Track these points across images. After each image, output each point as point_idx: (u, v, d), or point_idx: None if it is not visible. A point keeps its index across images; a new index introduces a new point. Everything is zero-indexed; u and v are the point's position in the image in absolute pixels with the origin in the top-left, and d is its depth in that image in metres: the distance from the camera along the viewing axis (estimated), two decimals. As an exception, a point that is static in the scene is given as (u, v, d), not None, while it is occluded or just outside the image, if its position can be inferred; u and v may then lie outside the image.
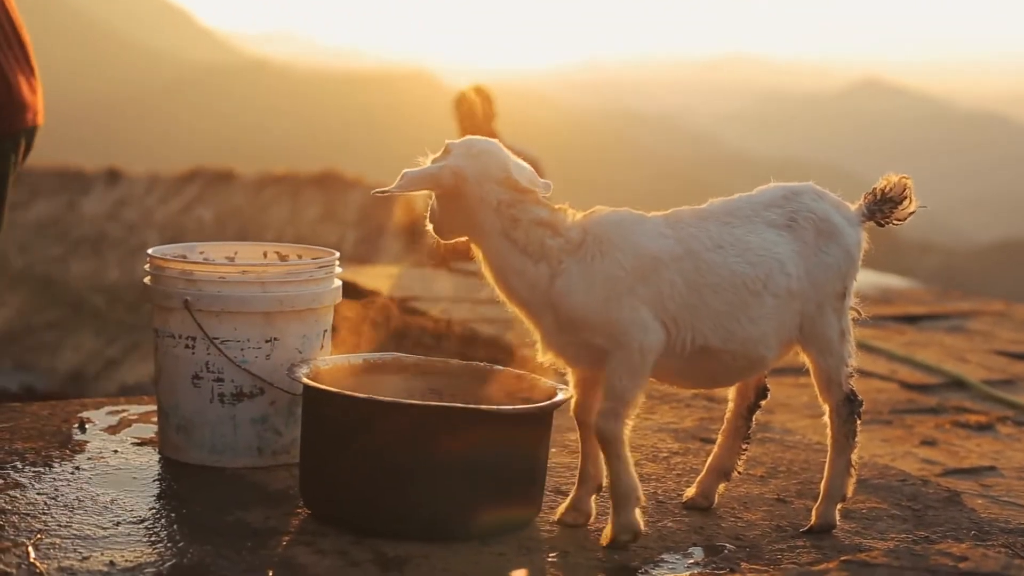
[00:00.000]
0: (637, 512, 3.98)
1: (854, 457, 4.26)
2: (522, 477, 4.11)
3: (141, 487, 4.42)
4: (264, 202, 26.58)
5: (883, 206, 4.25)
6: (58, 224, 26.37)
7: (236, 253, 5.12)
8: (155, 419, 4.98)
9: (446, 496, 3.95)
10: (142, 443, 4.94)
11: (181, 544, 3.85)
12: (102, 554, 3.73)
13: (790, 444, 5.35)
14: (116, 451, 4.81)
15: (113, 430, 5.09)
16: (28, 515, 4.03)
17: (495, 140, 4.10)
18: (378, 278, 9.49)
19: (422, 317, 7.99)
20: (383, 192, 3.97)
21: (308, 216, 26.04)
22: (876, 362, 7.57)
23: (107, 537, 3.88)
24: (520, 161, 4.06)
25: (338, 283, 4.88)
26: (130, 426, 5.17)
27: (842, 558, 3.70)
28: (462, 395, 4.49)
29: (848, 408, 4.22)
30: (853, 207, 4.25)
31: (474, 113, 11.44)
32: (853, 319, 4.26)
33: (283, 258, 5.07)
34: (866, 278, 11.15)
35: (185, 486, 4.46)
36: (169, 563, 3.69)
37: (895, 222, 4.28)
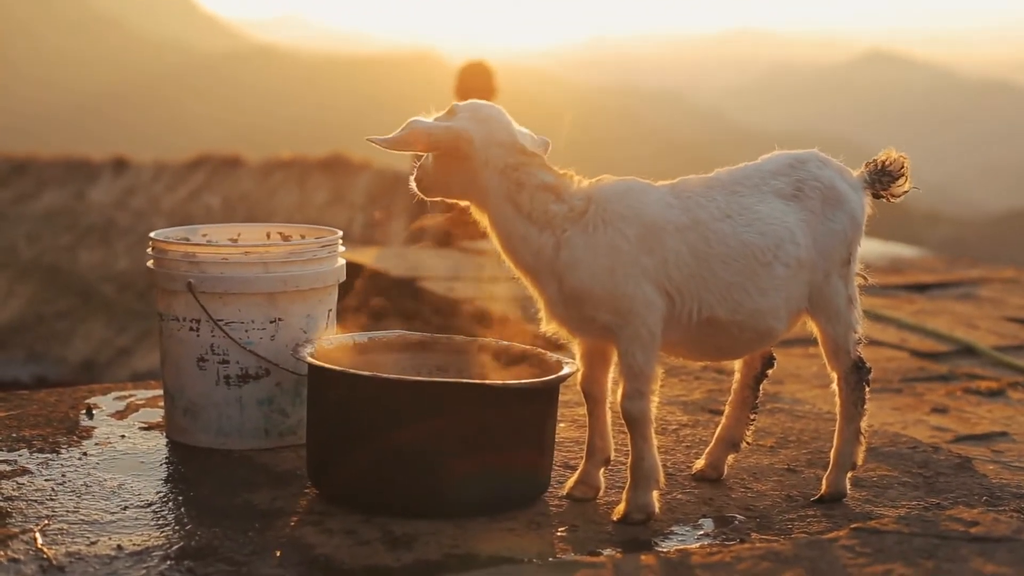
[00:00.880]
0: (654, 494, 3.97)
1: (863, 425, 4.24)
2: (530, 452, 4.10)
3: (148, 471, 4.41)
4: (272, 187, 26.57)
5: (881, 177, 4.23)
6: (66, 214, 26.37)
7: (239, 235, 5.10)
8: (162, 403, 4.97)
9: (454, 473, 3.93)
10: (149, 427, 4.93)
11: (189, 527, 3.85)
12: (110, 538, 3.72)
13: (800, 414, 5.33)
14: (123, 436, 4.81)
15: (120, 415, 5.08)
16: (36, 501, 4.03)
17: (499, 106, 4.08)
18: (383, 258, 9.47)
19: (428, 295, 7.97)
20: (381, 141, 3.92)
21: (316, 200, 26.01)
22: (886, 331, 7.55)
23: (115, 521, 3.88)
24: (523, 129, 4.04)
25: (342, 262, 4.86)
26: (137, 411, 5.16)
27: (853, 526, 3.68)
28: (468, 371, 4.48)
29: (856, 376, 4.20)
30: (856, 173, 4.23)
31: (475, 88, 11.38)
32: (860, 285, 4.24)
33: (286, 238, 5.05)
34: (876, 248, 11.16)
35: (192, 469, 4.46)
36: (177, 546, 3.69)
37: (890, 198, 4.26)
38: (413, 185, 4.08)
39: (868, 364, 4.23)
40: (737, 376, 4.43)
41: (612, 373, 4.14)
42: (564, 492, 4.21)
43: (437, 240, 11.01)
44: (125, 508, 4.00)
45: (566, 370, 4.14)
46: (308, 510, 4.03)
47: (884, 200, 4.26)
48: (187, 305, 4.63)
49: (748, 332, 4.03)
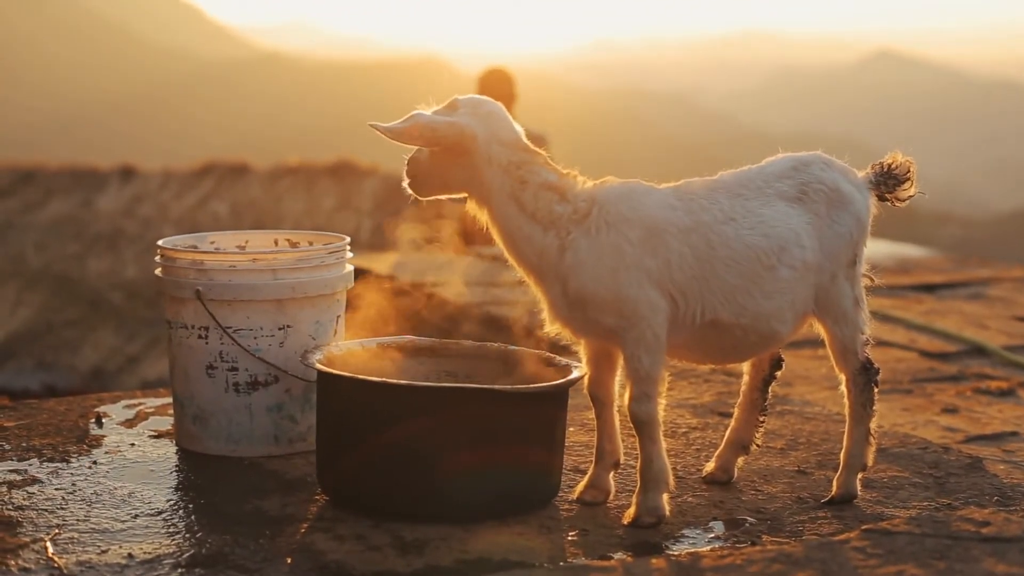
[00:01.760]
0: (665, 497, 3.97)
1: (873, 426, 4.23)
2: (540, 456, 4.09)
3: (159, 479, 4.41)
4: (279, 193, 26.59)
5: (887, 180, 4.22)
6: (74, 222, 26.41)
7: (247, 242, 5.10)
8: (171, 411, 4.97)
9: (463, 478, 3.93)
10: (159, 435, 4.94)
11: (199, 534, 3.84)
12: (120, 547, 3.72)
13: (809, 416, 5.32)
14: (133, 444, 4.81)
15: (130, 424, 5.09)
16: (46, 510, 4.03)
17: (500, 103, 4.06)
18: (392, 264, 9.48)
19: (438, 301, 7.97)
20: (384, 128, 3.89)
21: (324, 206, 26.04)
22: (895, 332, 7.53)
23: (125, 530, 3.88)
24: (517, 127, 4.03)
25: (350, 268, 4.86)
26: (146, 419, 5.16)
27: (864, 527, 3.67)
28: (477, 376, 4.48)
29: (865, 377, 4.19)
30: (860, 174, 4.23)
31: (497, 95, 11.38)
32: (867, 286, 4.23)
33: (294, 245, 5.05)
34: (884, 248, 11.14)
35: (202, 477, 4.46)
36: (188, 554, 3.69)
37: (895, 201, 4.25)
38: (405, 183, 4.04)
39: (876, 365, 4.22)
40: (745, 379, 4.43)
41: (619, 376, 4.14)
42: (574, 496, 4.21)
43: (450, 245, 11.00)
44: (136, 516, 4.00)
45: (575, 374, 4.14)
46: (318, 516, 4.03)
47: (889, 204, 4.25)
48: (196, 313, 4.63)
49: (752, 335, 4.02)
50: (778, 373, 4.41)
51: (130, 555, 3.66)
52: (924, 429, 5.40)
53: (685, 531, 3.97)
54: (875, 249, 4.25)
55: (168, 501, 4.17)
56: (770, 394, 4.43)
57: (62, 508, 4.06)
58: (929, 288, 9.29)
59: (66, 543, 3.74)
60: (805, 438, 4.99)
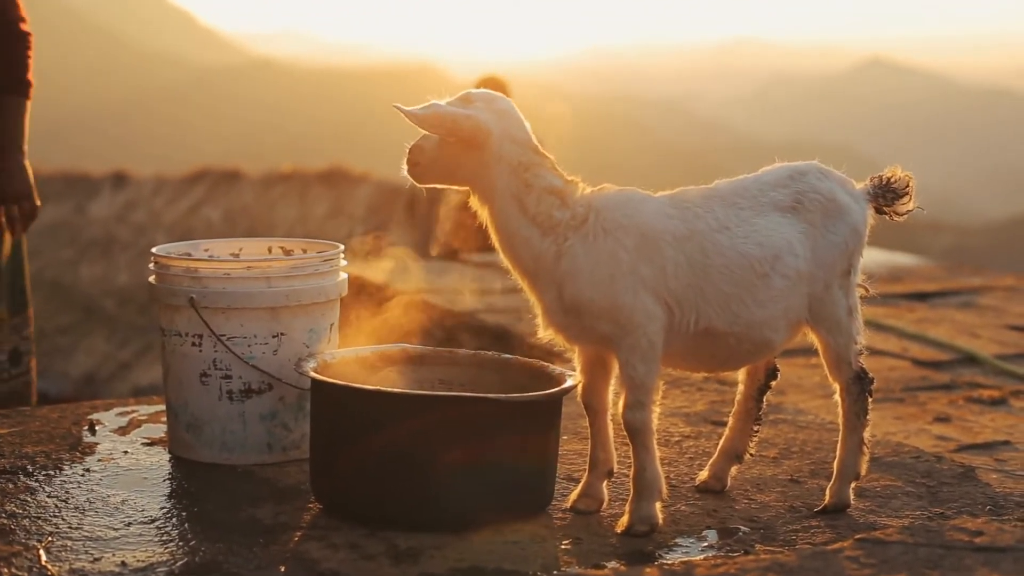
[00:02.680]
0: (658, 505, 3.98)
1: (866, 435, 4.24)
2: (533, 465, 4.09)
3: (152, 487, 4.41)
4: (272, 200, 26.57)
5: (885, 193, 4.23)
6: (67, 228, 26.39)
7: (241, 249, 5.11)
8: (164, 419, 4.97)
9: (457, 486, 3.93)
10: (152, 443, 4.94)
11: (193, 542, 3.84)
12: (113, 555, 3.72)
13: (802, 424, 5.33)
14: (126, 452, 4.81)
15: (123, 431, 5.09)
16: (39, 518, 4.03)
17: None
18: (385, 272, 9.47)
19: (430, 308, 7.97)
20: (408, 111, 3.88)
21: (316, 213, 26.01)
22: (888, 340, 7.54)
23: (118, 538, 3.88)
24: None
25: (344, 276, 4.87)
26: (140, 426, 5.16)
27: (857, 537, 3.67)
28: (471, 385, 4.49)
29: (859, 386, 4.20)
30: (859, 185, 4.23)
31: None
32: (861, 296, 4.24)
33: (288, 253, 5.05)
34: (877, 257, 11.14)
35: (196, 484, 4.46)
36: (181, 562, 3.68)
37: (893, 215, 4.26)
38: (404, 169, 4.02)
39: (871, 375, 4.23)
40: (740, 388, 4.43)
41: (613, 384, 4.15)
42: (568, 505, 4.21)
43: (443, 252, 11.01)
44: (129, 524, 4.00)
45: (569, 382, 4.14)
46: (312, 525, 4.03)
47: (887, 217, 4.26)
48: (189, 320, 4.63)
49: (746, 343, 4.03)
50: (773, 383, 4.42)
51: (123, 563, 3.66)
52: (917, 438, 5.41)
53: (678, 540, 3.97)
54: (868, 257, 4.27)
55: (161, 509, 4.17)
56: (764, 403, 4.43)
57: (55, 516, 4.06)
58: (921, 296, 9.30)
59: (59, 551, 3.74)
60: (798, 447, 4.99)
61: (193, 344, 4.64)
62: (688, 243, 3.93)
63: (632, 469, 4.00)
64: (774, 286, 4.00)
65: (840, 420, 4.25)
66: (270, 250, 5.11)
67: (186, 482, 4.49)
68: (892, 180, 4.23)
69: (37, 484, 4.38)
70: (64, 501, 4.21)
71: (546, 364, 4.42)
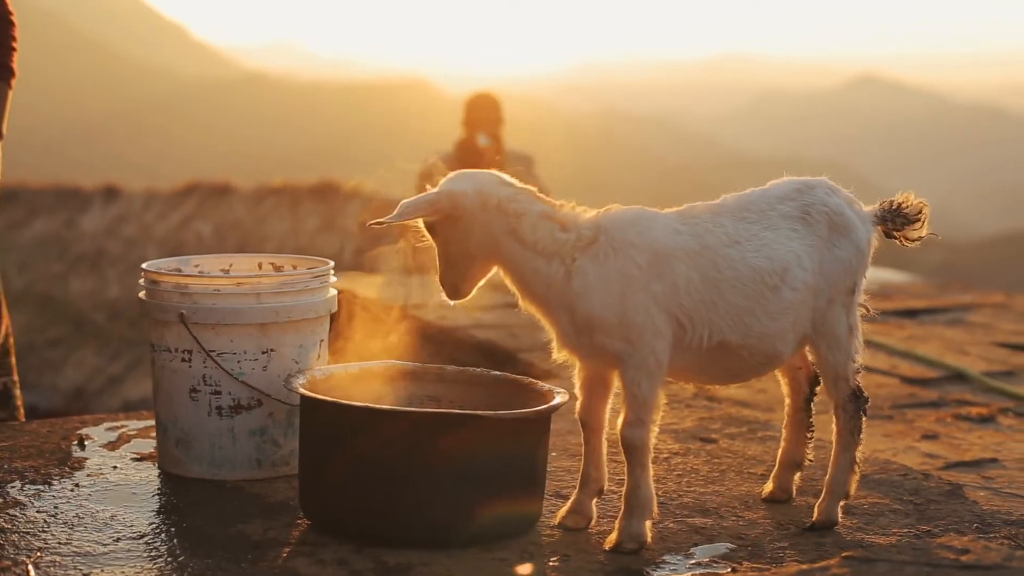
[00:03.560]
0: (648, 524, 3.98)
1: (858, 454, 4.26)
2: (522, 482, 4.10)
3: (141, 502, 4.41)
4: (263, 214, 26.54)
5: (895, 218, 4.26)
6: (57, 242, 26.34)
7: (231, 265, 5.11)
8: (154, 434, 4.98)
9: (446, 503, 3.94)
10: (141, 458, 4.94)
11: (182, 558, 3.85)
12: (102, 571, 3.73)
13: (791, 442, 5.32)
14: (115, 467, 4.81)
15: (112, 446, 5.09)
16: (28, 533, 4.03)
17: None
18: (375, 287, 9.47)
19: (419, 324, 7.97)
20: (380, 223, 3.93)
21: (307, 227, 25.99)
22: (876, 357, 7.55)
23: (107, 553, 3.88)
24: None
25: (333, 292, 4.88)
26: (129, 442, 5.17)
27: (844, 554, 3.68)
28: (460, 401, 4.50)
29: (854, 404, 4.23)
30: (867, 208, 4.26)
31: (483, 119, 11.43)
32: (862, 316, 4.26)
33: (278, 269, 5.06)
34: (866, 273, 11.16)
35: (185, 500, 4.46)
36: (169, 577, 3.69)
37: (904, 240, 4.29)
38: (444, 297, 4.07)
39: (866, 394, 4.26)
40: (788, 402, 4.51)
41: (611, 403, 4.17)
42: (556, 522, 4.22)
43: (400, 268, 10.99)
44: (118, 540, 4.01)
45: (557, 400, 4.15)
46: (301, 541, 4.03)
47: (898, 242, 4.29)
48: (179, 336, 4.64)
49: (758, 355, 4.06)
50: (818, 388, 4.45)
51: (112, 579, 3.66)
52: (904, 455, 5.42)
53: (666, 557, 3.98)
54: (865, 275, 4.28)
55: (150, 524, 4.17)
56: (813, 410, 4.49)
57: (44, 531, 4.06)
58: (911, 313, 9.32)
59: (48, 566, 3.74)
60: (786, 464, 4.99)
61: (183, 360, 4.65)
62: (700, 258, 3.95)
63: (625, 486, 4.01)
64: (784, 298, 4.03)
65: (833, 437, 4.27)
66: (260, 266, 5.12)
67: (175, 497, 4.50)
68: (904, 205, 4.26)
69: (26, 499, 4.38)
70: (53, 516, 4.21)
71: (535, 381, 4.43)
